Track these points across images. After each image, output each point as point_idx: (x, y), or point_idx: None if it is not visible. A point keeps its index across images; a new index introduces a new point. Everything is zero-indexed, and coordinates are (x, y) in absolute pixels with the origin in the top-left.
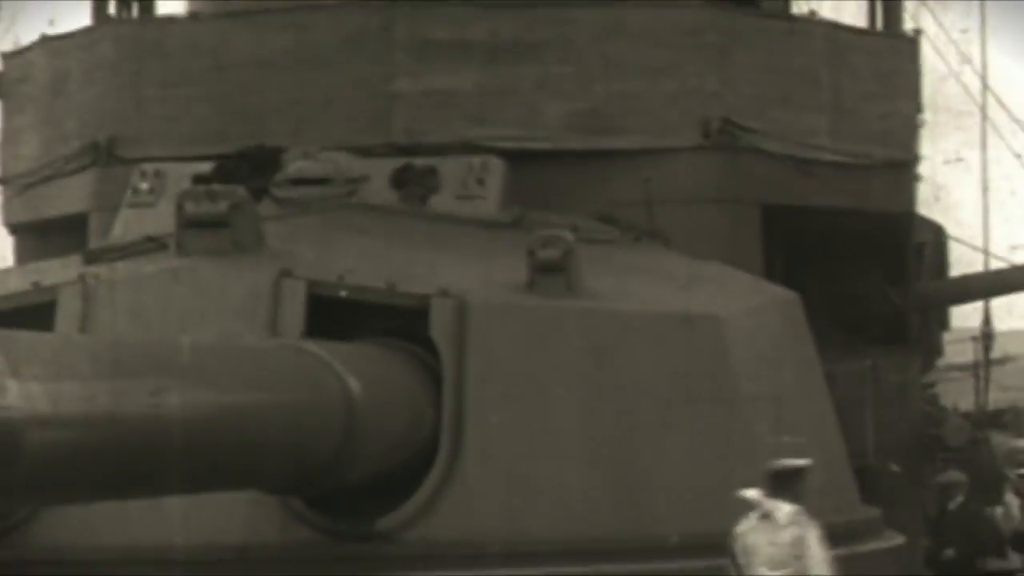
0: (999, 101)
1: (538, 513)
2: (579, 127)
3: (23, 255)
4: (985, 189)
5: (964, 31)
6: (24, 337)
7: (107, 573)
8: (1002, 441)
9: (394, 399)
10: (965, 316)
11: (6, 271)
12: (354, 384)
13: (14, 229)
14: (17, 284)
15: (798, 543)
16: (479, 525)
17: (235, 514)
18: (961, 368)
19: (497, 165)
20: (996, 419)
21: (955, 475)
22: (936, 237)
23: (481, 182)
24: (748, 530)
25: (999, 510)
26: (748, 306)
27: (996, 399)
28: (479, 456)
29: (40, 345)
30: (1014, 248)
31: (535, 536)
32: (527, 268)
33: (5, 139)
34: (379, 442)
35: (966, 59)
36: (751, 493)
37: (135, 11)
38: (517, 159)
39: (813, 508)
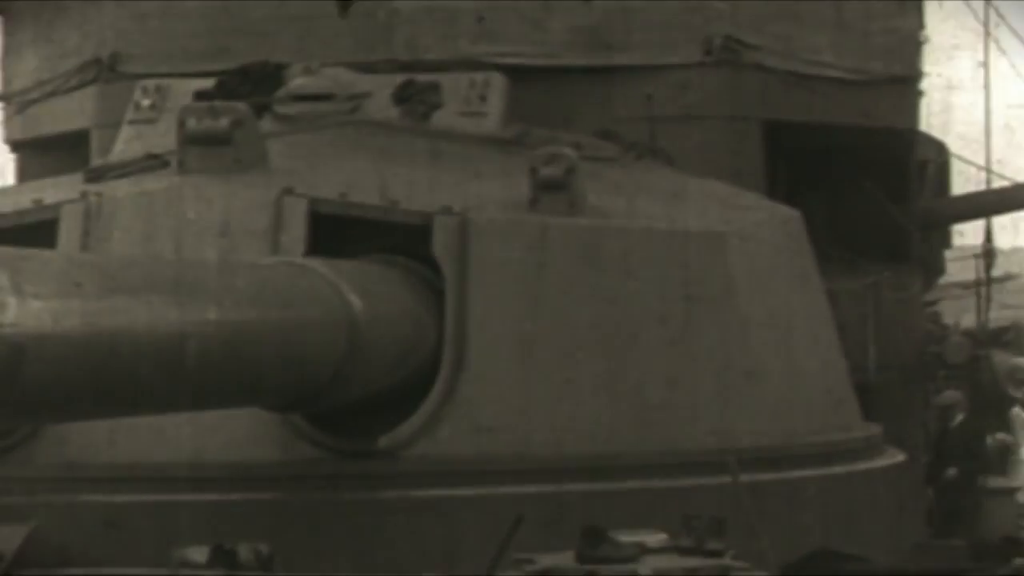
0: (1003, 19)
1: (540, 429)
2: (581, 43)
3: (25, 173)
4: (988, 110)
5: None
6: (24, 255)
7: (110, 490)
8: (1003, 359)
9: (396, 316)
10: (968, 234)
11: (7, 189)
12: (356, 301)
13: (15, 146)
14: (18, 202)
15: None
16: (482, 442)
17: (236, 431)
18: (963, 286)
19: (499, 81)
20: (997, 337)
21: (952, 395)
22: (938, 155)
23: (483, 98)
24: None
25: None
26: (749, 223)
27: (997, 317)
28: (481, 372)
29: (41, 262)
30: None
31: (538, 452)
32: (529, 185)
33: (5, 56)
34: (381, 359)
35: None
36: None
37: None
38: (519, 75)
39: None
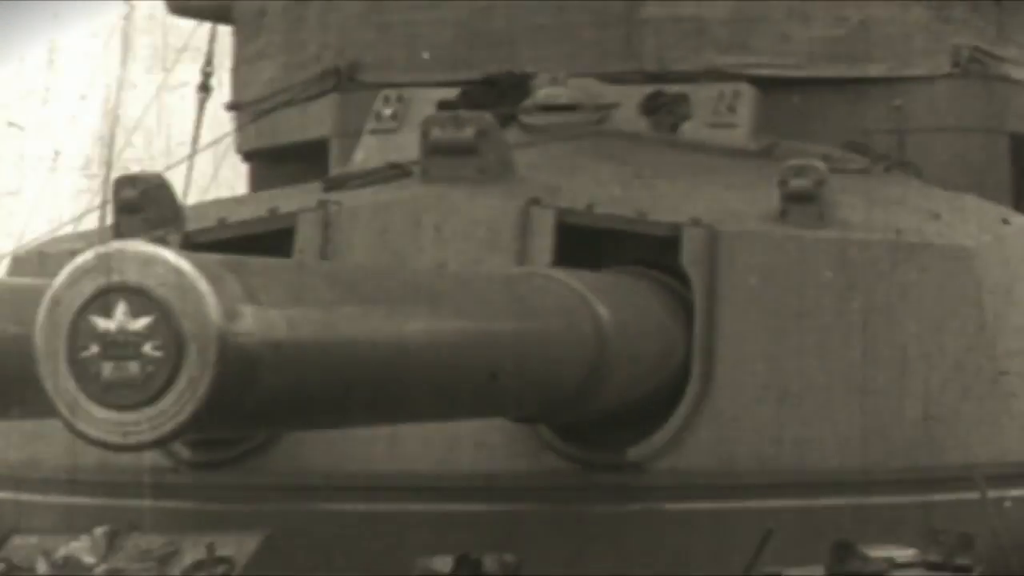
0: None
1: (789, 442)
2: (830, 54)
3: (258, 182)
4: None
5: None
6: (261, 263)
7: (348, 499)
8: None
9: (644, 328)
10: None
11: (241, 198)
12: (603, 312)
13: (248, 156)
14: (253, 211)
15: None
16: (730, 455)
17: (481, 442)
18: None
19: (749, 92)
20: None
21: None
22: None
23: (732, 110)
24: None
25: None
26: (998, 236)
27: None
28: (730, 385)
29: (278, 271)
30: None
31: (786, 466)
32: (778, 197)
33: (237, 65)
34: (629, 370)
35: None
36: None
37: None
38: (767, 87)
39: None
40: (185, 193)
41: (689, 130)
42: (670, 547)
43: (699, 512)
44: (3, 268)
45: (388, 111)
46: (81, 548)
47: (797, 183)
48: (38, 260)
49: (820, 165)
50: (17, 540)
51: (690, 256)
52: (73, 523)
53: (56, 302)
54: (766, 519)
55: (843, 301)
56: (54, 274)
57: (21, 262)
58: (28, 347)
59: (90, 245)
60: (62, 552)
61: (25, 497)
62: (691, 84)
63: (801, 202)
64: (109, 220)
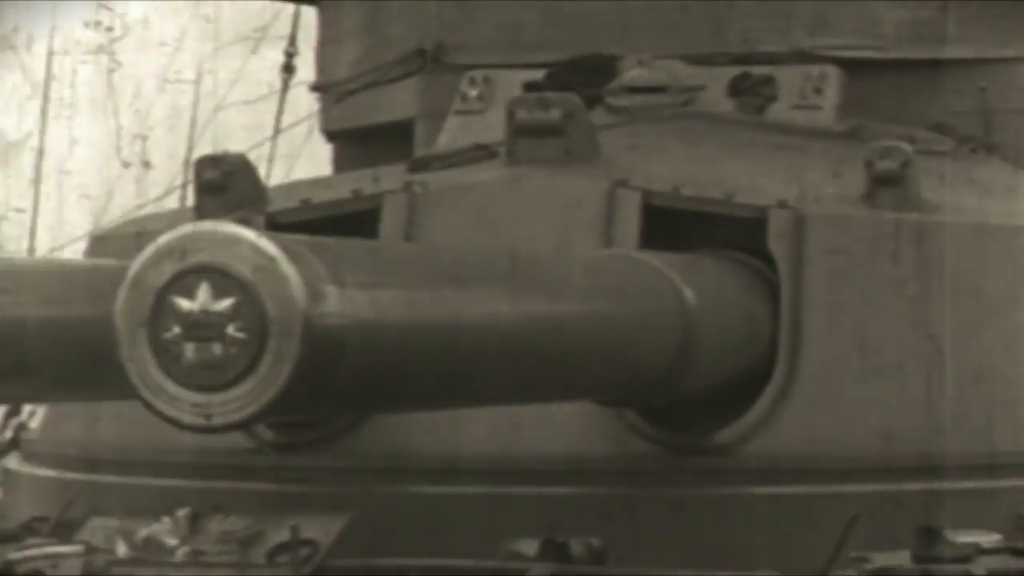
0: None
1: (876, 427)
2: (915, 36)
3: (342, 163)
4: None
5: None
6: (345, 244)
7: (433, 481)
8: None
9: (730, 311)
10: None
11: (324, 179)
12: (690, 295)
13: (332, 136)
14: (337, 192)
15: None
16: (817, 439)
17: (567, 425)
18: None
19: (835, 74)
20: None
21: None
22: None
23: (819, 91)
24: None
25: None
26: None
27: None
28: (817, 368)
29: (363, 252)
30: None
31: (873, 451)
32: (864, 179)
33: (322, 46)
34: (715, 354)
35: None
36: None
37: None
38: (853, 68)
39: None
40: (268, 174)
41: (775, 112)
42: (756, 531)
43: (785, 496)
44: (81, 249)
45: (474, 92)
46: (162, 530)
47: (883, 165)
48: (117, 240)
49: (906, 147)
50: (96, 522)
51: (776, 238)
52: (153, 505)
53: (137, 282)
54: (852, 504)
55: (929, 284)
56: (133, 255)
57: (99, 242)
58: (106, 328)
59: (169, 226)
60: (142, 533)
61: (103, 479)
62: (777, 66)
63: (887, 184)
64: (190, 201)
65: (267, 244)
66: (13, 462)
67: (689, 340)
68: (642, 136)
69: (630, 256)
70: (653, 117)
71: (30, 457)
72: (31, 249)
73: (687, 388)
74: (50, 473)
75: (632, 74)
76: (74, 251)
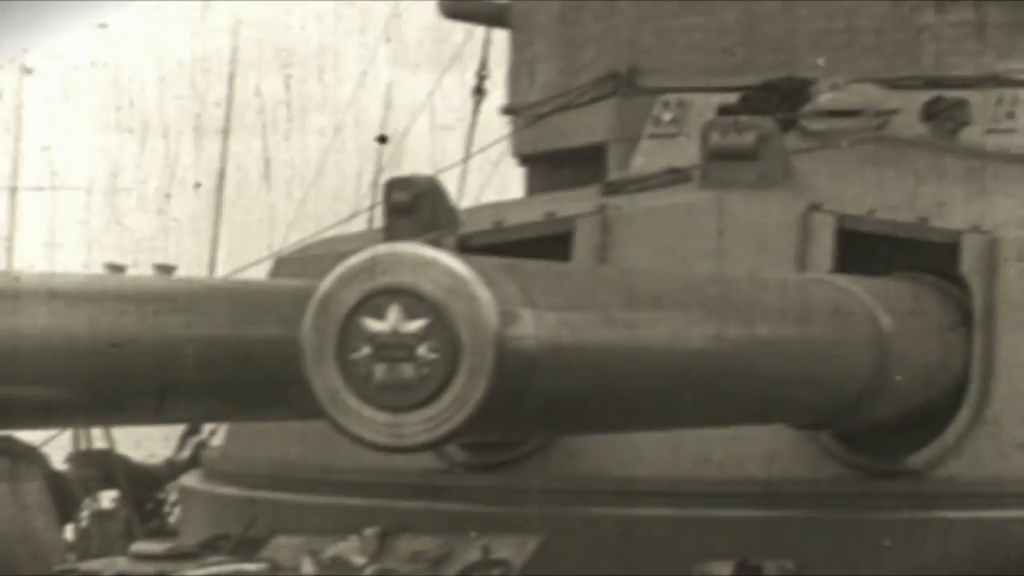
0: None
1: None
2: None
3: (534, 186)
4: None
5: None
6: (538, 266)
7: (625, 503)
8: None
9: (924, 335)
10: None
11: (516, 202)
12: (884, 319)
13: (525, 159)
14: (530, 214)
15: None
16: (1010, 464)
17: (763, 448)
18: None
19: None
20: None
21: None
22: None
23: (1011, 115)
24: None
25: None
26: None
27: None
28: (1010, 394)
29: (555, 274)
30: None
31: None
32: None
33: (514, 69)
34: (909, 378)
35: None
36: None
37: None
38: None
39: None
40: (459, 196)
41: (968, 136)
42: (948, 555)
43: (978, 520)
44: (266, 270)
45: (668, 116)
46: (350, 549)
47: None
48: (303, 262)
49: None
50: (281, 540)
51: (970, 263)
52: (340, 524)
53: (326, 303)
54: None
55: None
56: (319, 276)
57: (285, 263)
58: (291, 348)
59: (358, 247)
60: (330, 552)
61: (288, 497)
62: (970, 89)
63: None
64: (378, 223)
65: (459, 266)
66: (192, 480)
67: (884, 364)
68: (836, 160)
69: (824, 280)
70: (847, 141)
71: (212, 475)
72: (211, 266)
73: (881, 412)
74: (233, 491)
75: (826, 98)
76: (256, 272)
